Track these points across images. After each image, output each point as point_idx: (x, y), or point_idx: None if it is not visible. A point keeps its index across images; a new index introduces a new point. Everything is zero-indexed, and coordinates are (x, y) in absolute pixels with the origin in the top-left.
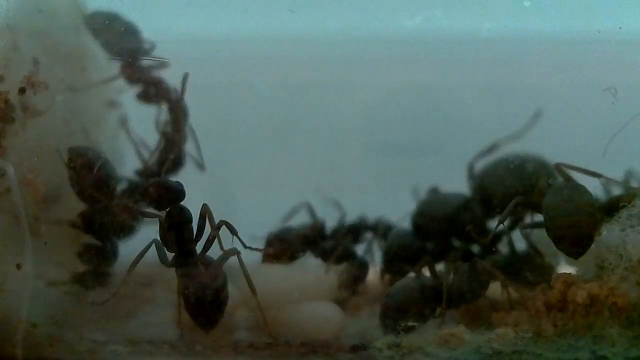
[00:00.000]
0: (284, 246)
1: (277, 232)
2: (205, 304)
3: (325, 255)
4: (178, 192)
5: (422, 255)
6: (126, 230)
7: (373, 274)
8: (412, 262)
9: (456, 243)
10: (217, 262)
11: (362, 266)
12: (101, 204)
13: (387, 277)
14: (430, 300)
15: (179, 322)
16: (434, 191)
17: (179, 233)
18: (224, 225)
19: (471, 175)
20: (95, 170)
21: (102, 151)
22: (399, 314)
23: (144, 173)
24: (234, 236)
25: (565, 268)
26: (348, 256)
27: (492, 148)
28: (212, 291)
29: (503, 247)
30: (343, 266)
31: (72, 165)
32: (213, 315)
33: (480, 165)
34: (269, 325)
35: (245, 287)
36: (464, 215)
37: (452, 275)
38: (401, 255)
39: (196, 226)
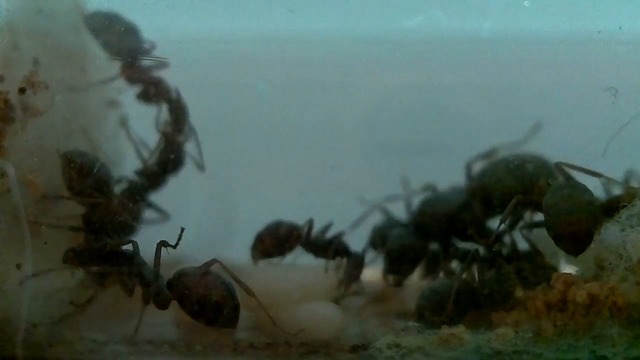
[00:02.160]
0: (273, 243)
1: (265, 229)
2: (202, 308)
3: (317, 251)
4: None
5: (424, 254)
6: (127, 230)
7: (373, 274)
8: (414, 261)
9: (457, 242)
10: (200, 268)
11: (358, 261)
12: (99, 206)
13: (389, 276)
14: (465, 300)
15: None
16: (431, 188)
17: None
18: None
19: (469, 176)
20: (90, 175)
21: (96, 155)
22: (433, 313)
23: (144, 173)
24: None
25: (566, 268)
26: (342, 251)
27: (490, 152)
28: (201, 294)
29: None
30: (340, 263)
31: (68, 169)
32: (218, 314)
33: (477, 166)
34: (276, 323)
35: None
36: (465, 214)
37: (476, 277)
38: (403, 254)
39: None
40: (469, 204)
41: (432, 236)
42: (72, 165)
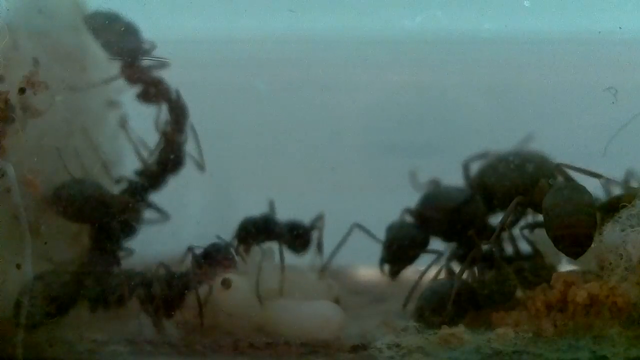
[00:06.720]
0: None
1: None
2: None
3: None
4: None
5: (424, 246)
6: (127, 231)
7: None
8: (413, 253)
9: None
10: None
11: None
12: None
13: (385, 266)
14: (465, 300)
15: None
16: (435, 184)
17: None
18: None
19: (467, 175)
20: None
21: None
22: (433, 313)
23: (144, 173)
24: None
25: (566, 268)
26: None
27: (484, 154)
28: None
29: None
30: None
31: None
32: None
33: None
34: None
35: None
36: (466, 210)
37: (476, 277)
38: (403, 246)
39: None
40: (470, 202)
41: (433, 232)
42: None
